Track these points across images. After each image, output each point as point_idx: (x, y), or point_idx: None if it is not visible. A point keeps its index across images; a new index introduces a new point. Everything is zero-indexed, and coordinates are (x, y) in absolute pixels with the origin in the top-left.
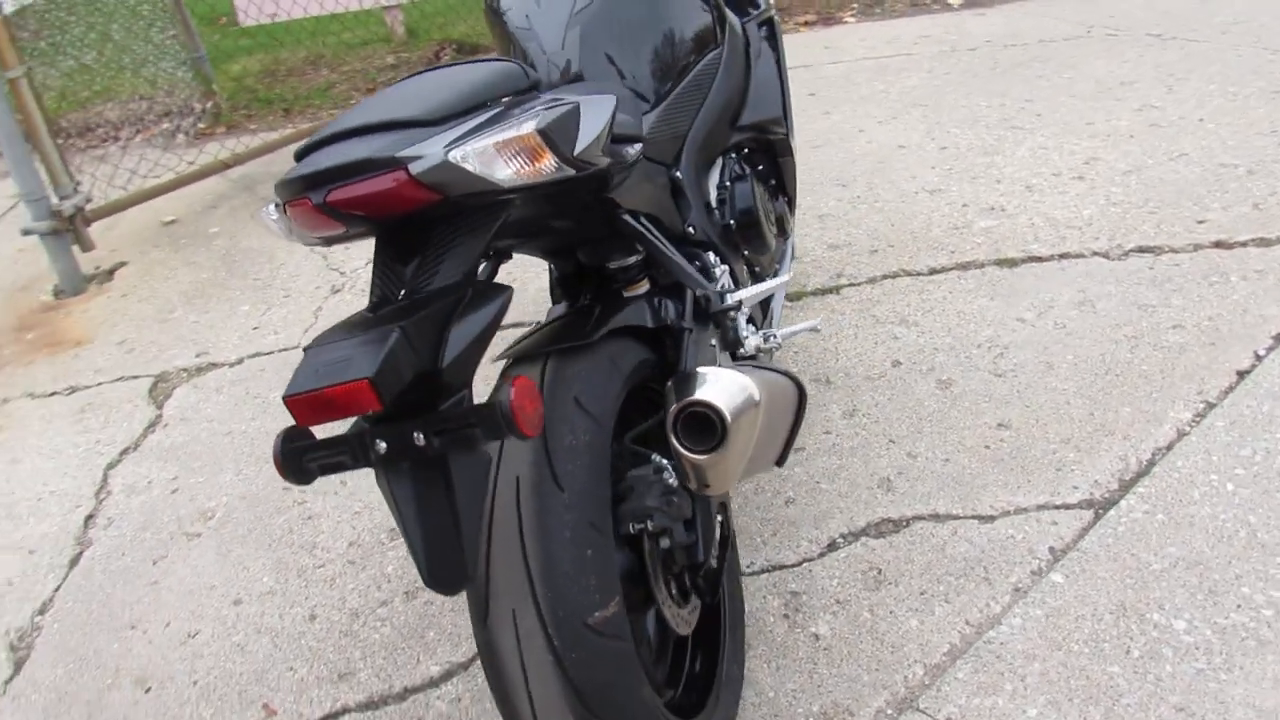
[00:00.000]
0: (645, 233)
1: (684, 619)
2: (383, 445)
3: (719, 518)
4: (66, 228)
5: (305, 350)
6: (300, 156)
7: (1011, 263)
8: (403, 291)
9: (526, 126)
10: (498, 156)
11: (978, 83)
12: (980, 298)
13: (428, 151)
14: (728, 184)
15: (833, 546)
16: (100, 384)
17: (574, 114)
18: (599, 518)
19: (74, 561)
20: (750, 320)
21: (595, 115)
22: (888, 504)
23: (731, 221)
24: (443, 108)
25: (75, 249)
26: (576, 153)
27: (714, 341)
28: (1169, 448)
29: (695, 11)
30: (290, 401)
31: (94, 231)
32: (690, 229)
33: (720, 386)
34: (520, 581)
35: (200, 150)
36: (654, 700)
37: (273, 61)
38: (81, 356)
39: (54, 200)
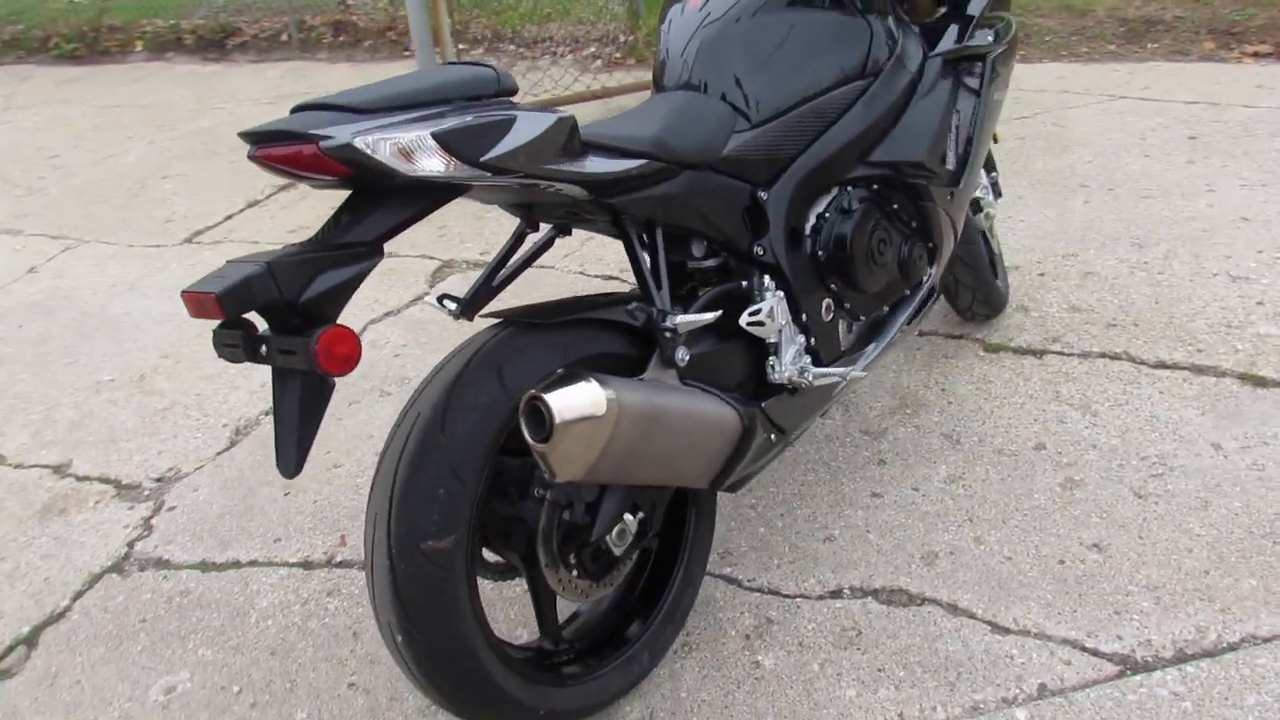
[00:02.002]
0: (633, 241)
1: (573, 587)
2: (264, 349)
3: (637, 515)
4: None
5: (226, 261)
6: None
7: (1260, 382)
8: (325, 236)
9: (424, 129)
10: (399, 151)
11: None
12: (1191, 409)
13: (339, 133)
14: (827, 215)
15: (835, 594)
16: (408, 256)
17: (496, 124)
18: (464, 469)
19: None
20: (813, 352)
21: (528, 128)
22: (916, 577)
23: (820, 253)
24: (390, 100)
25: None
26: (485, 159)
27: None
28: (1266, 640)
29: (842, 43)
30: (183, 295)
31: None
32: (758, 250)
33: (572, 391)
34: (387, 494)
35: (594, 77)
36: (472, 635)
37: None
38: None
39: None
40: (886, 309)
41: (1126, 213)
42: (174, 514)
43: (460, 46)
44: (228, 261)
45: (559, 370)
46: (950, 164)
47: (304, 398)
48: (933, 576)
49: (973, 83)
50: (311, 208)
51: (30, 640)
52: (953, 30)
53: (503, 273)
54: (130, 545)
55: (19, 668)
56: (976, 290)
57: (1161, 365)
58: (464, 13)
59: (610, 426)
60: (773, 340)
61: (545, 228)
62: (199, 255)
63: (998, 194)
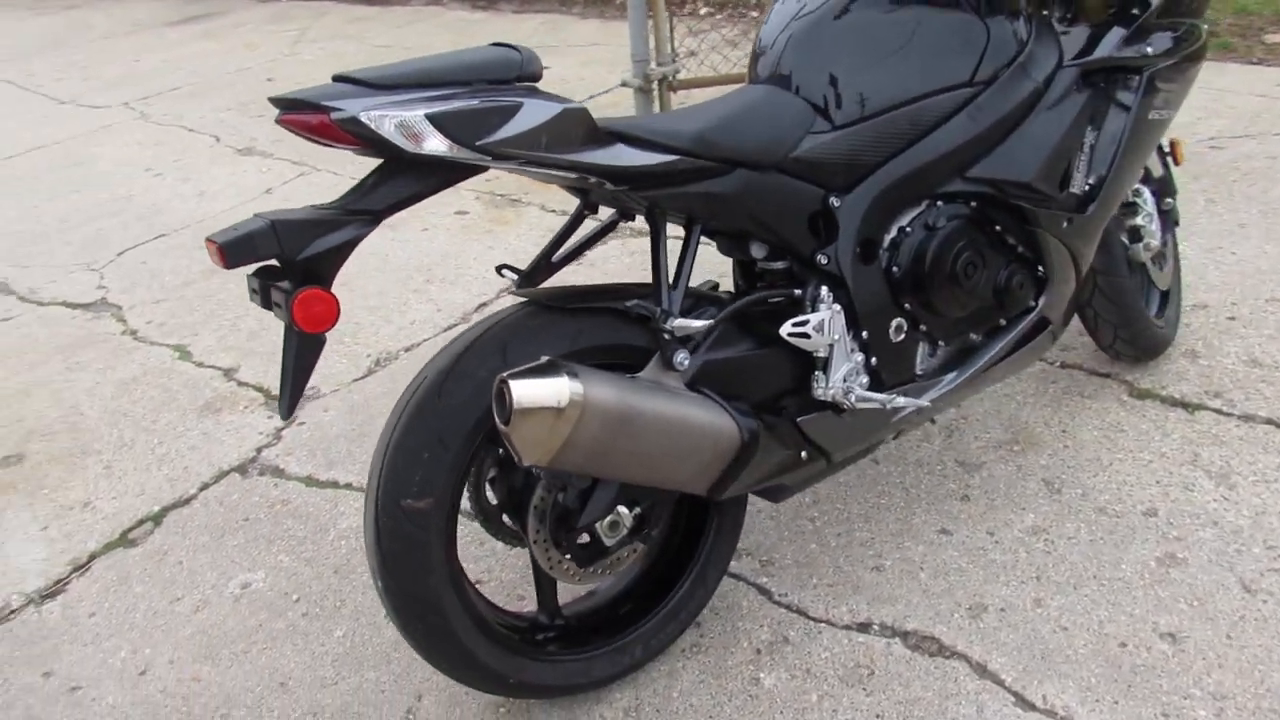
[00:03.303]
0: (659, 235)
1: (562, 568)
2: (273, 297)
3: (633, 510)
4: (652, 89)
5: (254, 214)
6: None
7: None
8: (344, 200)
9: (422, 109)
10: (399, 129)
11: None
12: None
13: (349, 107)
14: (909, 229)
15: (863, 627)
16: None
17: (498, 110)
18: (450, 437)
19: (448, 329)
20: (874, 372)
21: (531, 116)
22: (954, 628)
23: (895, 268)
24: (412, 78)
25: (655, 109)
26: (481, 143)
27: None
28: None
29: (948, 46)
30: (205, 241)
31: (676, 99)
32: (822, 258)
33: (537, 380)
34: (383, 448)
35: None
36: (442, 593)
37: None
38: None
39: (652, 65)
40: (978, 337)
41: None
42: (301, 429)
43: (705, 10)
44: (255, 214)
45: (544, 357)
46: (1076, 188)
47: (297, 349)
48: (972, 630)
49: (1125, 98)
50: None
51: (158, 519)
52: (1113, 36)
53: (564, 251)
54: (258, 451)
55: (142, 540)
56: (1120, 328)
57: None
58: None
59: (572, 421)
60: (821, 355)
61: (607, 211)
62: None
63: (1174, 222)
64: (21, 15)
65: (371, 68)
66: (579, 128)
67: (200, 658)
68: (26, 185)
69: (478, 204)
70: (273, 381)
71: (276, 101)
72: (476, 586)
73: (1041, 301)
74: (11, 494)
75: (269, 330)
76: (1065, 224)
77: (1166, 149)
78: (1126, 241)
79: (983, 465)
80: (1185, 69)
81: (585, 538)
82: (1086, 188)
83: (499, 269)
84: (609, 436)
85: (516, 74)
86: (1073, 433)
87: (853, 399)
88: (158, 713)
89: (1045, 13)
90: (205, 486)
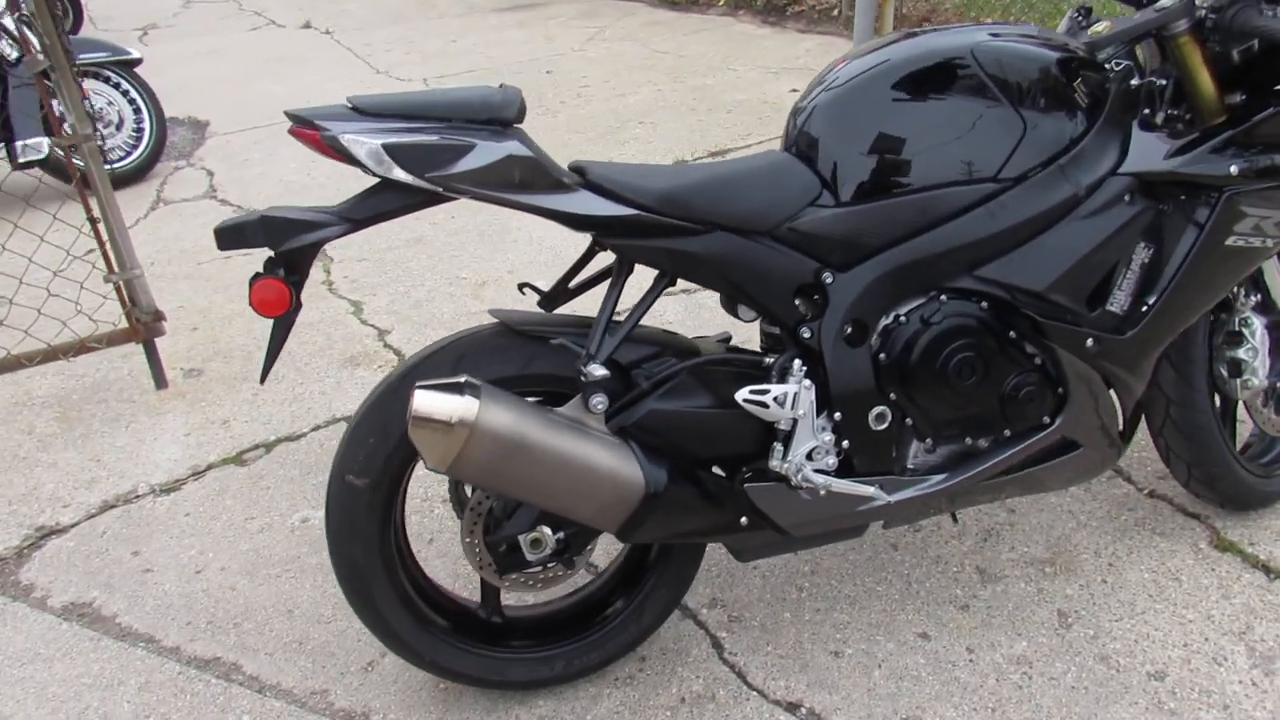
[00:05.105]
0: (618, 281)
1: (488, 567)
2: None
3: (558, 533)
4: None
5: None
6: None
7: None
8: (340, 205)
9: (381, 139)
10: (368, 154)
11: None
12: None
13: (335, 128)
14: (904, 319)
15: (791, 708)
16: None
17: (450, 147)
18: (394, 429)
19: None
20: (848, 458)
21: (479, 157)
22: None
23: (882, 355)
24: (400, 109)
25: None
26: (430, 176)
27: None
28: None
29: (975, 137)
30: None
31: None
32: (805, 332)
33: (438, 395)
34: (350, 425)
35: None
36: (369, 564)
37: None
38: None
39: None
40: (979, 443)
41: None
42: None
43: None
44: (269, 207)
45: (464, 377)
46: (1115, 307)
47: (273, 327)
48: None
49: (1200, 218)
50: None
51: (269, 447)
52: (1209, 145)
53: (579, 279)
54: None
55: (251, 462)
56: (1193, 466)
57: None
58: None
59: (461, 438)
60: (783, 427)
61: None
62: None
63: None
64: None
65: (377, 95)
66: (529, 173)
67: (244, 571)
68: None
69: None
70: (411, 347)
71: (291, 115)
72: (421, 567)
73: (1059, 421)
74: (179, 401)
75: (432, 301)
76: (1089, 343)
77: None
78: (1225, 374)
79: (1002, 579)
80: None
81: (512, 547)
82: (1139, 309)
83: (520, 287)
84: (501, 459)
85: (493, 115)
86: (1119, 569)
87: (800, 477)
88: (193, 607)
89: (1144, 112)
90: (316, 428)
